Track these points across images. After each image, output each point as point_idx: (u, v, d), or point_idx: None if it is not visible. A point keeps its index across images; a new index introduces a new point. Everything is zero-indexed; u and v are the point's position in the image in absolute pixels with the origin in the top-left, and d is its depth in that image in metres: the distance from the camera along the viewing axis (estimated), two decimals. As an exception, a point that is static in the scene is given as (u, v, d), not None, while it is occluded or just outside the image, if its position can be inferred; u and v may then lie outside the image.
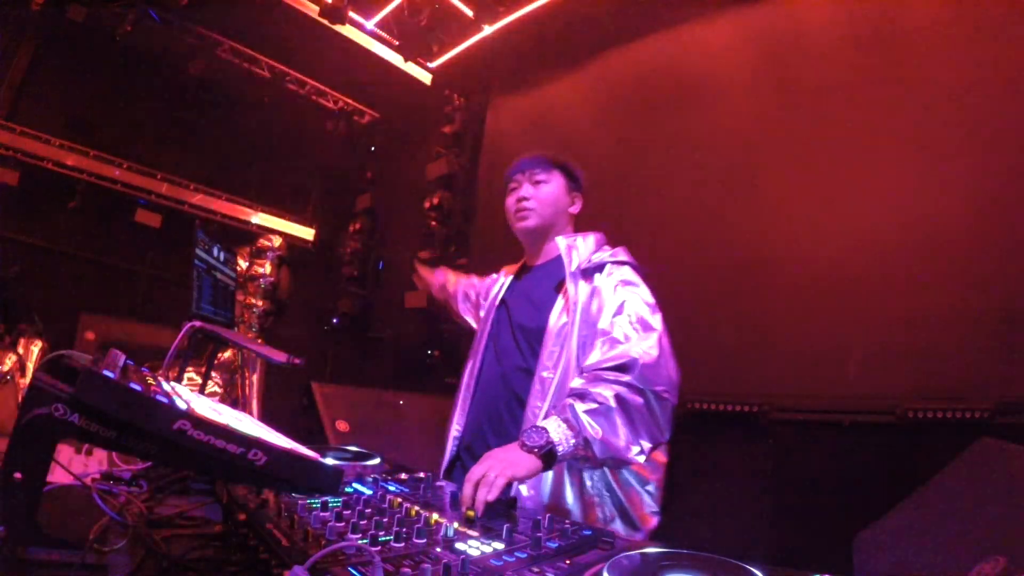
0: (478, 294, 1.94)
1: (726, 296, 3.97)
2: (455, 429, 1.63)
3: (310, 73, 7.92)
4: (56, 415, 0.54)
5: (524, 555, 0.73)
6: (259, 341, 4.09)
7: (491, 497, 1.01)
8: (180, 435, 0.58)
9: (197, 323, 1.70)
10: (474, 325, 1.91)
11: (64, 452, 1.24)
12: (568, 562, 0.72)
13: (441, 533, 0.77)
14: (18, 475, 0.55)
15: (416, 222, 7.18)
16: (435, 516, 0.84)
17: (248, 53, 7.53)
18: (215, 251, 2.10)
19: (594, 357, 1.32)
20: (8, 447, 0.55)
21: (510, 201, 1.64)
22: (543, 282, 1.59)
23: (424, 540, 0.72)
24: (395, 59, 6.74)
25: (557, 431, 1.17)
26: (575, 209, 1.67)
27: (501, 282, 1.75)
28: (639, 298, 1.39)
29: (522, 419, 1.42)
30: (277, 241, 4.20)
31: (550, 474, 1.35)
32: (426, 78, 7.20)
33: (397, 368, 6.66)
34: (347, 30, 6.52)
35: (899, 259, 3.19)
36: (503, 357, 1.58)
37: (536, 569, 0.68)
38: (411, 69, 6.94)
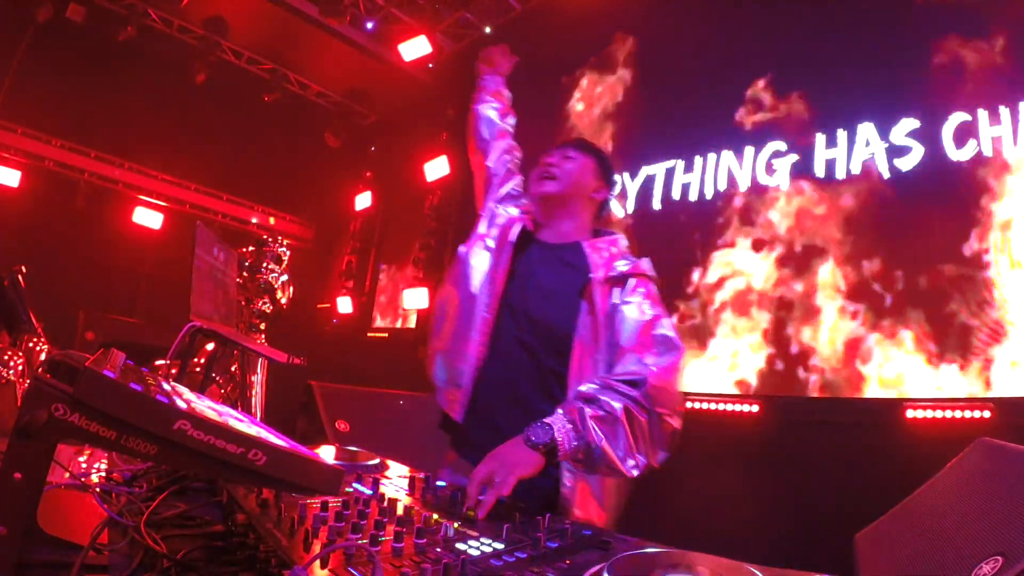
0: (509, 172, 1.73)
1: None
2: (456, 377, 1.51)
3: (310, 74, 7.92)
4: (56, 415, 0.54)
5: (524, 555, 0.73)
6: (259, 341, 4.09)
7: (503, 494, 1.02)
8: (180, 435, 0.58)
9: (197, 323, 1.70)
10: (482, 182, 1.73)
11: (64, 452, 1.24)
12: (568, 562, 0.72)
13: (441, 533, 0.77)
14: (18, 475, 0.55)
15: (416, 222, 7.19)
16: (435, 516, 0.84)
17: (248, 54, 7.53)
18: (215, 251, 2.10)
19: (613, 369, 1.32)
20: (8, 447, 0.55)
21: (534, 170, 1.61)
22: (558, 272, 1.51)
23: (424, 540, 0.72)
24: (395, 59, 6.73)
25: (561, 431, 1.17)
26: (599, 196, 1.63)
27: (516, 228, 1.58)
28: (663, 318, 1.38)
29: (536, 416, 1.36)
30: (277, 241, 4.21)
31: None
32: (426, 78, 7.21)
33: (397, 368, 6.66)
34: (347, 29, 6.52)
35: None
36: (510, 339, 1.47)
37: (536, 569, 0.68)
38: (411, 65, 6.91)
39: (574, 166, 1.59)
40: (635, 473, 1.22)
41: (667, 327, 1.36)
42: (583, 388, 1.27)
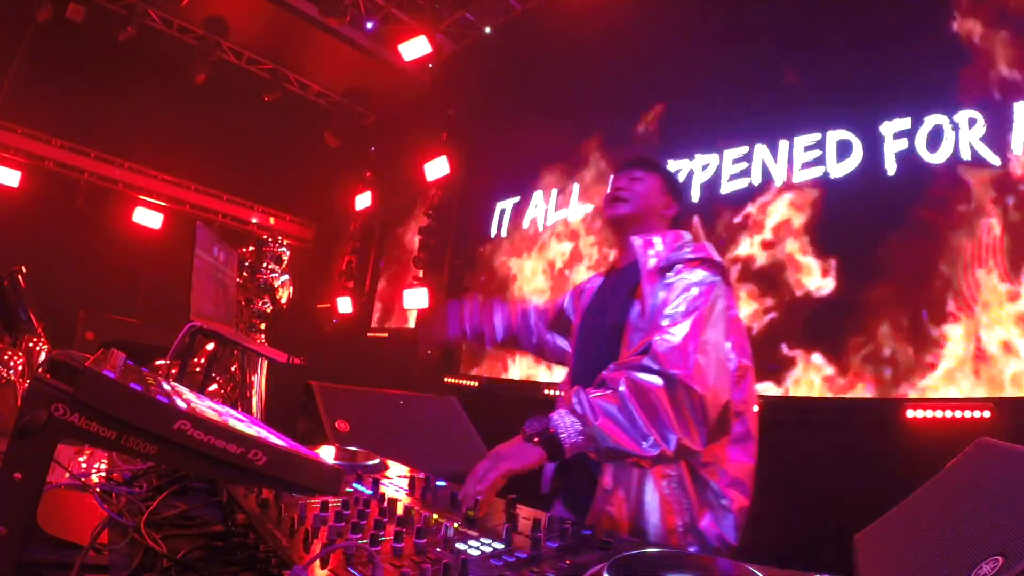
0: (563, 309, 1.85)
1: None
2: None
3: (310, 74, 7.92)
4: (56, 415, 0.54)
5: (524, 555, 0.73)
6: (259, 341, 4.09)
7: (481, 489, 1.00)
8: (180, 435, 0.58)
9: (197, 323, 1.70)
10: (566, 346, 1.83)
11: (64, 452, 1.24)
12: (568, 562, 0.72)
13: (441, 533, 0.77)
14: (18, 475, 0.55)
15: (416, 222, 7.19)
16: (435, 516, 0.84)
17: (248, 54, 7.53)
18: (215, 251, 2.10)
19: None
20: (8, 447, 0.55)
21: (606, 196, 1.68)
22: (620, 286, 1.54)
23: (424, 540, 0.72)
24: (395, 59, 6.73)
25: (560, 417, 1.11)
26: (669, 212, 1.64)
27: (590, 285, 1.73)
28: (691, 295, 1.30)
29: None
30: (277, 241, 4.20)
31: (635, 470, 1.28)
32: (426, 78, 7.21)
33: (397, 368, 6.66)
34: (347, 29, 6.52)
35: None
36: (584, 362, 1.57)
37: (536, 569, 0.68)
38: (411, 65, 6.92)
39: (643, 187, 1.62)
40: (653, 453, 1.10)
41: (689, 301, 1.28)
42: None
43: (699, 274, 1.35)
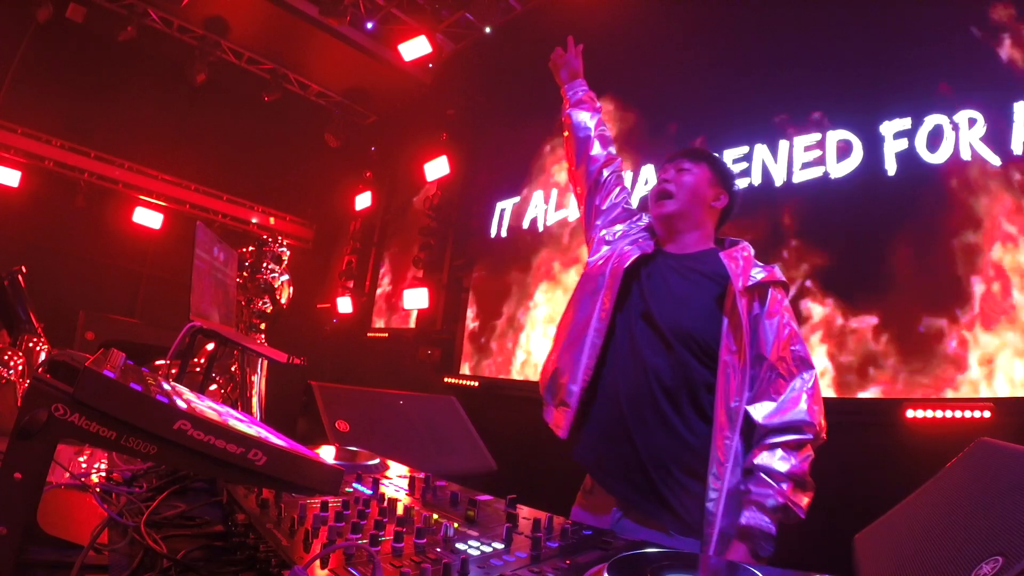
0: (616, 205, 1.72)
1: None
2: (570, 392, 1.51)
3: (310, 74, 7.92)
4: (56, 415, 0.54)
5: (524, 555, 0.73)
6: (259, 341, 4.09)
7: None
8: (180, 435, 0.58)
9: (197, 323, 1.70)
10: (583, 216, 1.74)
11: (64, 452, 1.24)
12: (568, 562, 0.72)
13: (441, 533, 0.77)
14: (18, 475, 0.55)
15: (416, 222, 7.19)
16: (435, 516, 0.84)
17: (248, 54, 7.53)
18: (215, 251, 2.10)
19: (763, 411, 1.33)
20: (8, 447, 0.55)
21: (652, 189, 1.62)
22: (692, 281, 1.49)
23: (424, 540, 0.72)
24: (395, 59, 6.73)
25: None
26: (719, 204, 1.60)
27: (632, 259, 1.56)
28: (797, 330, 1.40)
29: (693, 433, 1.37)
30: (277, 241, 4.20)
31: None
32: (426, 78, 7.21)
33: (397, 368, 6.66)
34: (347, 29, 6.52)
35: None
36: (643, 349, 1.45)
37: (536, 569, 0.68)
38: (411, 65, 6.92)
39: (690, 178, 1.58)
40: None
41: (801, 343, 1.39)
42: (762, 464, 1.29)
43: (786, 299, 1.44)
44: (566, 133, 1.81)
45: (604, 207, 1.72)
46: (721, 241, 1.61)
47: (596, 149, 1.75)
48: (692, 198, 1.57)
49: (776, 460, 1.27)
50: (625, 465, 1.40)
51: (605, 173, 1.73)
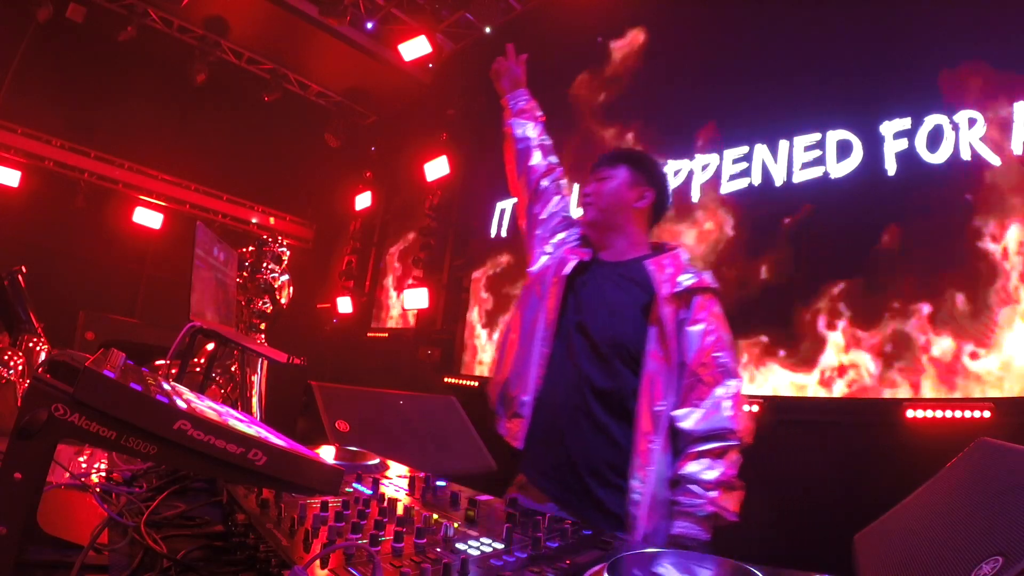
0: (555, 215, 1.70)
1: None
2: (521, 402, 1.52)
3: (310, 74, 7.92)
4: (56, 415, 0.54)
5: (524, 555, 0.73)
6: (259, 341, 4.09)
7: None
8: (180, 435, 0.58)
9: (197, 323, 1.70)
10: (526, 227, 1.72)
11: (64, 452, 1.24)
12: (568, 562, 0.72)
13: (441, 533, 0.77)
14: (18, 475, 0.55)
15: (416, 222, 7.19)
16: (435, 516, 0.84)
17: (248, 54, 7.53)
18: (215, 251, 2.10)
19: (687, 417, 1.35)
20: (8, 447, 0.55)
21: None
22: (622, 289, 1.51)
23: (424, 540, 0.72)
24: (395, 59, 6.73)
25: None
26: (644, 203, 1.60)
27: (570, 265, 1.57)
28: (723, 337, 1.41)
29: (623, 436, 1.39)
30: (277, 241, 4.20)
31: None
32: (426, 77, 7.21)
33: (397, 368, 6.66)
34: (347, 29, 6.52)
35: None
36: (579, 357, 1.47)
37: (536, 569, 0.68)
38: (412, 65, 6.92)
39: (608, 185, 1.59)
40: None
41: (727, 350, 1.41)
42: (690, 473, 1.33)
43: (716, 305, 1.44)
44: (507, 143, 1.79)
45: (543, 216, 1.70)
46: (660, 247, 1.60)
47: (536, 159, 1.73)
48: (611, 204, 1.58)
49: (704, 470, 1.31)
50: (558, 467, 1.43)
51: (544, 183, 1.71)
